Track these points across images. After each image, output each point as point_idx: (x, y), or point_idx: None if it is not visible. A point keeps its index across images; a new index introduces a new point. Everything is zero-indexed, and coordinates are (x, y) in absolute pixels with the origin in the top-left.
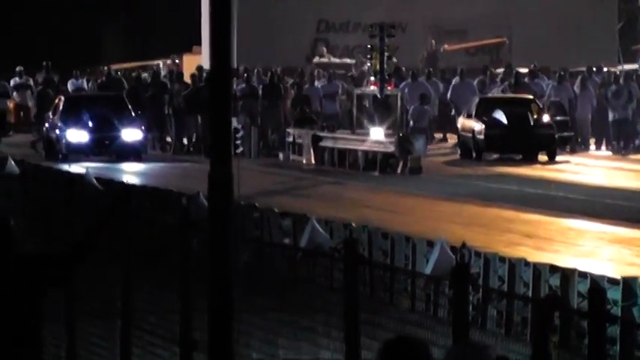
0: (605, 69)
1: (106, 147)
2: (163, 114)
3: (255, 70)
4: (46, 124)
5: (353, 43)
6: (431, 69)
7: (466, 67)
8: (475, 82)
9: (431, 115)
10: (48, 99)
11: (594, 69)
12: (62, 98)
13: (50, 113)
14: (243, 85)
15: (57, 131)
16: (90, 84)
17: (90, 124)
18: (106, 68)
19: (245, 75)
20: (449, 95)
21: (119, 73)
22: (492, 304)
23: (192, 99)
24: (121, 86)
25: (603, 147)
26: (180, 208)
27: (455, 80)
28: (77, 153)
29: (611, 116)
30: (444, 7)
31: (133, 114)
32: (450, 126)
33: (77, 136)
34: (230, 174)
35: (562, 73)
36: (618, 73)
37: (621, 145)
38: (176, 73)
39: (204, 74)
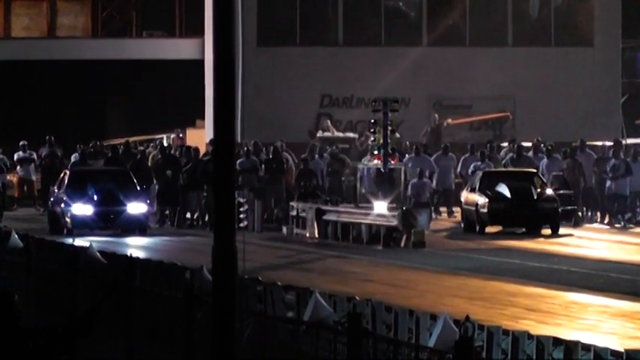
0: (601, 143)
1: (111, 221)
2: (169, 187)
3: (253, 142)
4: (51, 198)
5: (356, 117)
6: (448, 144)
7: (469, 142)
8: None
9: (431, 189)
10: (52, 173)
11: (600, 143)
12: (67, 172)
13: (55, 187)
14: (243, 159)
15: (62, 205)
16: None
17: (95, 198)
18: (121, 144)
19: (245, 149)
20: (459, 169)
21: (131, 146)
22: None
23: (193, 173)
24: (126, 160)
25: (606, 220)
26: (183, 281)
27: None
28: (82, 227)
29: (608, 190)
30: (448, 83)
31: (138, 188)
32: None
33: (82, 210)
34: (234, 246)
35: (550, 147)
36: (624, 144)
37: (622, 218)
38: (185, 148)
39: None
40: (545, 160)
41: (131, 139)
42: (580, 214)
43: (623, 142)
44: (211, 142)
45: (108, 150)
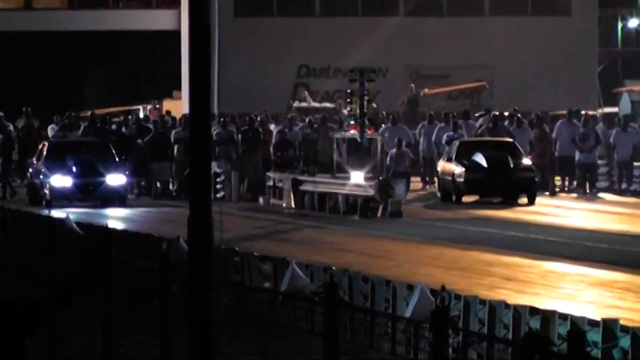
0: (583, 112)
1: (90, 192)
2: (139, 158)
3: (230, 117)
4: (30, 170)
5: (333, 87)
6: (432, 113)
7: (447, 112)
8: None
9: (410, 159)
10: (30, 144)
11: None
12: (46, 144)
13: (34, 159)
14: (219, 130)
15: (41, 177)
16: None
17: (74, 169)
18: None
19: (221, 120)
20: (433, 138)
21: (107, 117)
22: (472, 347)
23: (154, 143)
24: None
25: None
26: (160, 252)
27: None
28: (61, 199)
29: (577, 159)
30: (425, 53)
31: (117, 159)
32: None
33: (61, 181)
34: (210, 216)
35: (519, 116)
36: (597, 114)
37: (593, 186)
38: (161, 119)
39: (170, 119)
40: (513, 128)
41: (108, 111)
42: (557, 183)
43: (600, 110)
44: (167, 112)
45: (84, 121)
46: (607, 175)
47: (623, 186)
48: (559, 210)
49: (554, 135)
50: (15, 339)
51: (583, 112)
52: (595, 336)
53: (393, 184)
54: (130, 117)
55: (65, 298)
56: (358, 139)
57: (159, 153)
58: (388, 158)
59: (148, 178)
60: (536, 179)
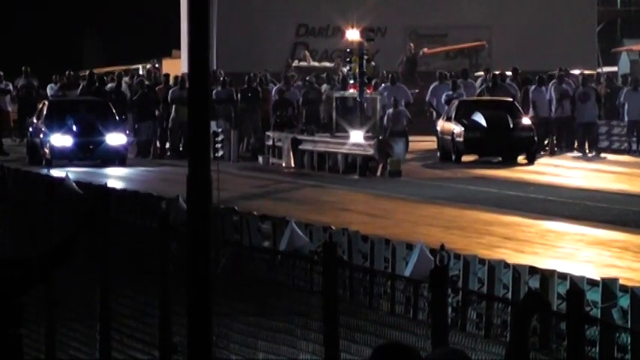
0: (578, 72)
1: (90, 152)
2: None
3: (222, 78)
4: (30, 129)
5: (332, 47)
6: (445, 72)
7: (445, 71)
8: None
9: (407, 118)
10: (29, 104)
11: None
12: (46, 103)
13: (34, 118)
14: (219, 89)
15: (41, 136)
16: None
17: (74, 128)
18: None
19: (221, 79)
20: (427, 97)
21: (106, 77)
22: (472, 307)
23: (140, 103)
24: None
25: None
26: (159, 211)
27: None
28: (61, 158)
29: (578, 119)
30: (424, 12)
31: (117, 118)
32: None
33: (61, 140)
34: (208, 175)
35: (543, 76)
36: (594, 74)
37: (595, 147)
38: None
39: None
40: (535, 88)
41: (107, 70)
42: (555, 142)
43: (599, 70)
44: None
45: (83, 81)
46: (607, 134)
47: (634, 146)
48: (559, 169)
49: (550, 95)
50: (11, 298)
51: (578, 71)
52: (594, 295)
53: (392, 143)
54: (116, 76)
55: (61, 256)
56: (357, 99)
57: (144, 112)
58: (385, 118)
59: (137, 138)
60: (535, 139)
